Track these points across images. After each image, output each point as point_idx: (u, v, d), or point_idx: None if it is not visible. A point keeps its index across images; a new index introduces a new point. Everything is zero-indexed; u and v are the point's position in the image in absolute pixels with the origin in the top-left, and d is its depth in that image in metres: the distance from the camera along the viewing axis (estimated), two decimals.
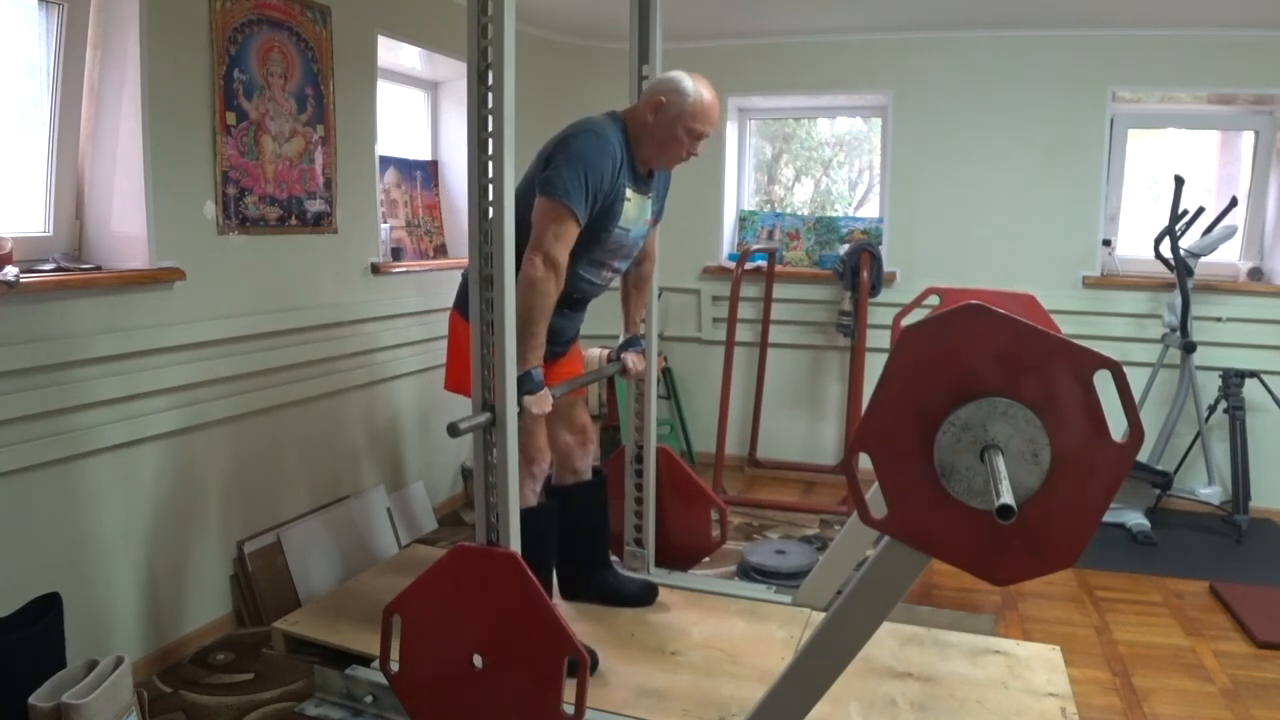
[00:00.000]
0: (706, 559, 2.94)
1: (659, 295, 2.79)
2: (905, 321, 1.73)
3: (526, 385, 1.94)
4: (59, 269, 2.20)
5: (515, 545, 1.86)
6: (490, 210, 1.78)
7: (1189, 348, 3.54)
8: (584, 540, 2.57)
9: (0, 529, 2.02)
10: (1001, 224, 3.97)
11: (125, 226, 2.34)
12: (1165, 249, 3.59)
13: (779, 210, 4.60)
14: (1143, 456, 3.61)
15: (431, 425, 3.58)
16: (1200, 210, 3.53)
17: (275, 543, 2.76)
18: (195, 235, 2.47)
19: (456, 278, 2.34)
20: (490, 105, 1.75)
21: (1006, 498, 1.21)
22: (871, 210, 4.48)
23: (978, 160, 3.97)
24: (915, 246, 4.11)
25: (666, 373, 4.40)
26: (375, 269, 3.20)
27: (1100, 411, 1.29)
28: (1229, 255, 3.85)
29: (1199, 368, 3.62)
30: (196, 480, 2.54)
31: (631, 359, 2.55)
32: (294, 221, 2.83)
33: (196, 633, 2.55)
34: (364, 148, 3.15)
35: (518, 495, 1.87)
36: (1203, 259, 3.60)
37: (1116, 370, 1.27)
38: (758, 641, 2.41)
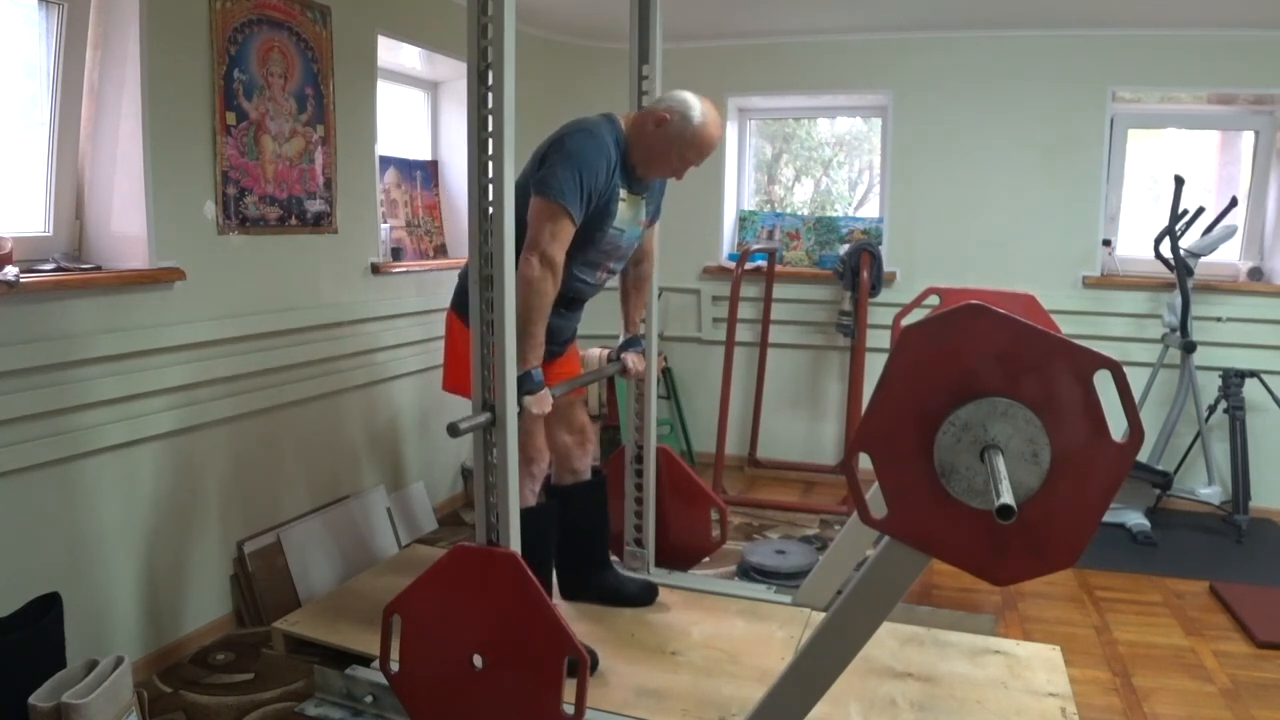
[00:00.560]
0: (706, 559, 2.94)
1: (659, 295, 2.79)
2: (905, 321, 1.73)
3: (526, 385, 1.94)
4: (59, 269, 2.20)
5: (515, 545, 1.86)
6: (490, 210, 1.78)
7: (1189, 348, 3.54)
8: (584, 540, 2.57)
9: (0, 529, 2.02)
10: (1001, 224, 3.97)
11: (125, 226, 2.34)
12: (1165, 249, 3.59)
13: (779, 210, 4.60)
14: (1143, 456, 3.61)
15: (431, 425, 3.58)
16: (1200, 210, 3.53)
17: (275, 543, 2.76)
18: (195, 235, 2.47)
19: (456, 278, 2.34)
20: (490, 105, 1.75)
21: (1006, 498, 1.21)
22: (871, 210, 4.48)
23: (978, 160, 3.97)
24: (915, 246, 4.11)
25: (666, 373, 4.40)
26: (375, 269, 3.20)
27: (1100, 411, 1.29)
28: (1229, 255, 3.85)
29: (1199, 368, 3.62)
30: (197, 480, 2.54)
31: (631, 359, 2.55)
32: (294, 221, 2.83)
33: (196, 633, 2.55)
34: (364, 148, 3.15)
35: (518, 495, 1.87)
36: (1203, 259, 3.60)
37: (1116, 370, 1.27)
38: (758, 641, 2.41)
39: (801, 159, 4.72)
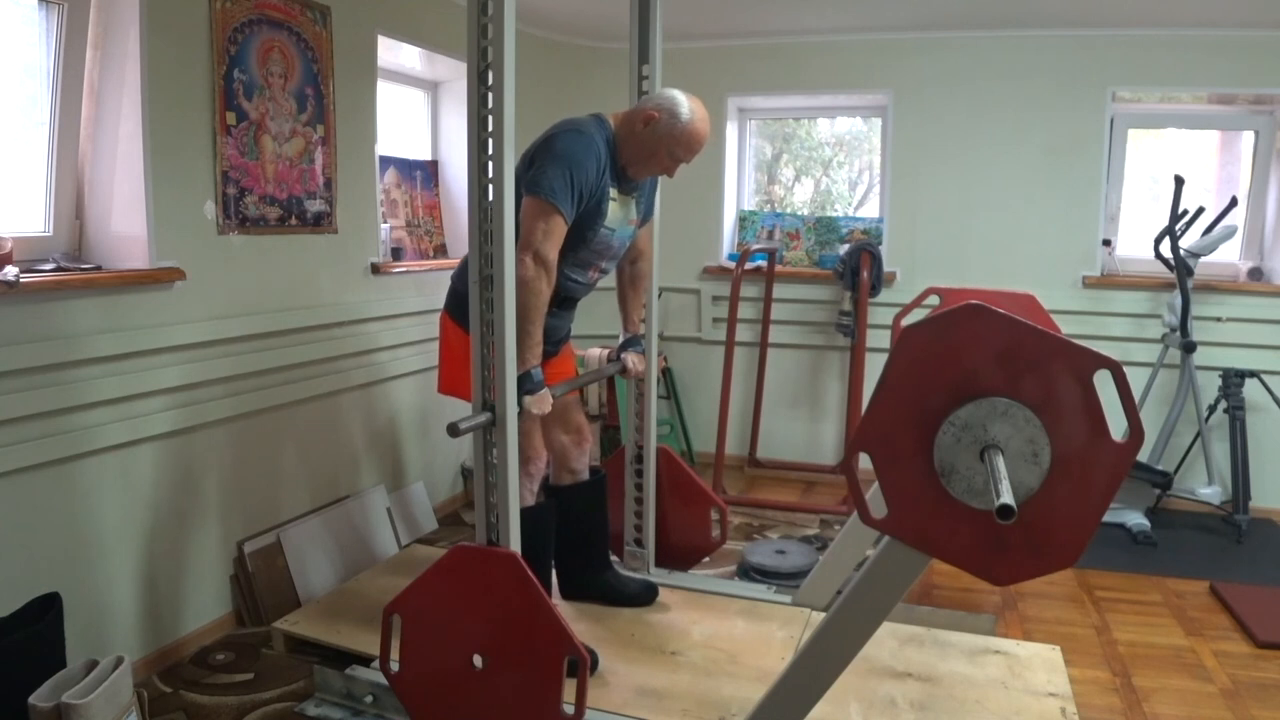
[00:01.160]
0: (706, 559, 2.94)
1: (659, 295, 2.79)
2: (905, 321, 1.73)
3: (526, 385, 1.94)
4: (59, 269, 2.20)
5: (515, 545, 1.86)
6: (490, 210, 1.78)
7: (1189, 348, 3.54)
8: (583, 540, 2.57)
9: (0, 529, 2.02)
10: (1001, 224, 3.97)
11: (125, 226, 2.34)
12: (1165, 249, 3.59)
13: (779, 210, 4.60)
14: (1143, 456, 3.61)
15: (431, 425, 3.58)
16: (1200, 210, 3.53)
17: (275, 543, 2.76)
18: (195, 235, 2.47)
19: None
20: (490, 105, 1.75)
21: (1006, 498, 1.21)
22: (871, 210, 4.48)
23: (978, 160, 3.97)
24: (915, 246, 4.11)
25: (666, 373, 4.40)
26: (375, 269, 3.20)
27: (1100, 411, 1.28)
28: (1229, 255, 3.85)
29: (1199, 368, 3.62)
30: (196, 480, 2.54)
31: (631, 359, 2.55)
32: (294, 221, 2.83)
33: (196, 633, 2.55)
34: (364, 148, 3.15)
35: (518, 495, 1.87)
36: (1203, 259, 3.60)
37: (1116, 370, 1.27)
38: (758, 641, 2.41)
39: (801, 159, 4.72)
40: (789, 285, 4.28)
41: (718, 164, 4.32)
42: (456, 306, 2.24)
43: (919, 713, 2.08)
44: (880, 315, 3.93)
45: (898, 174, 4.11)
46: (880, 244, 4.15)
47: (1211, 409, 3.64)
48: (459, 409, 1.95)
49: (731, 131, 4.39)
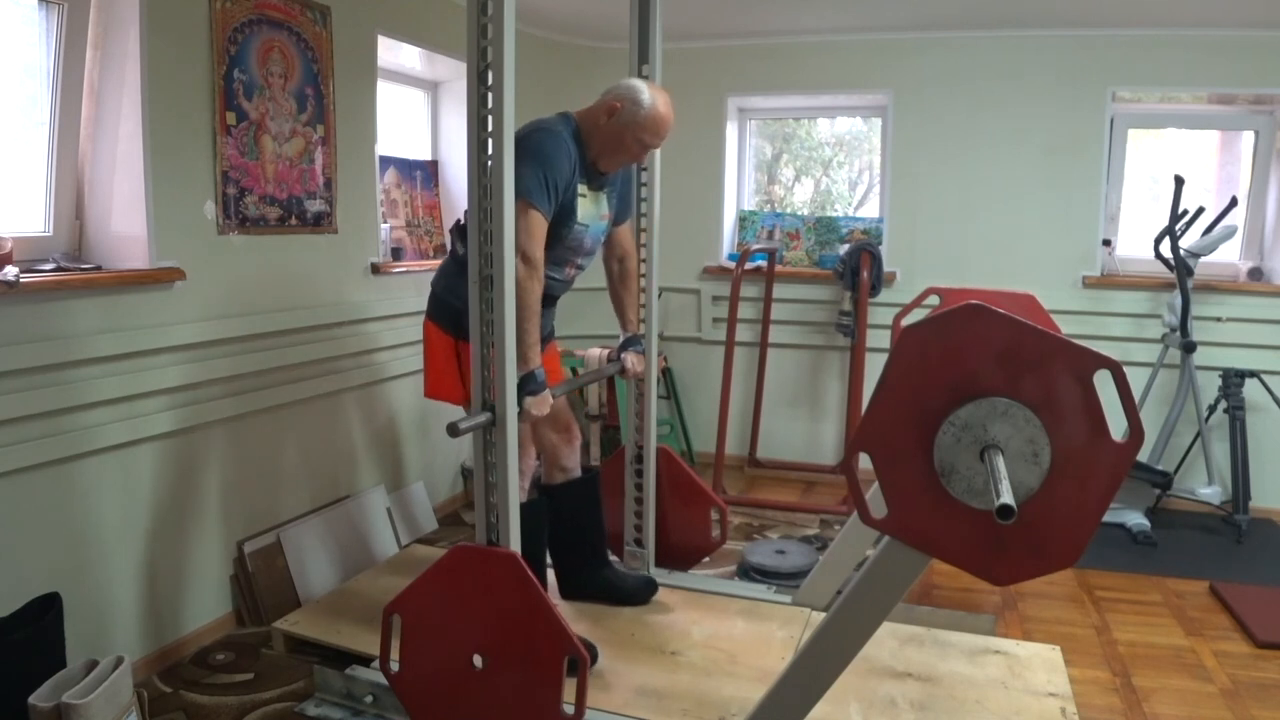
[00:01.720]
0: (706, 559, 2.94)
1: (659, 295, 2.79)
2: (905, 321, 1.73)
3: (529, 386, 1.94)
4: (59, 269, 2.20)
5: (515, 545, 1.86)
6: (490, 210, 1.78)
7: (1189, 347, 3.54)
8: (579, 538, 2.57)
9: (0, 529, 2.02)
10: (1001, 224, 3.97)
11: (125, 226, 2.34)
12: (1165, 249, 3.59)
13: (779, 210, 4.60)
14: (1143, 456, 3.61)
15: (431, 425, 3.58)
16: (1200, 210, 3.53)
17: (275, 543, 2.76)
18: (195, 235, 2.47)
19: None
20: (490, 105, 1.75)
21: (1006, 498, 1.21)
22: (871, 210, 4.48)
23: (978, 160, 3.97)
24: (915, 246, 4.11)
25: (666, 373, 4.40)
26: (375, 269, 3.20)
27: (1100, 411, 1.28)
28: (1229, 255, 3.85)
29: (1199, 368, 3.62)
30: (196, 480, 2.54)
31: (631, 359, 2.55)
32: (294, 221, 2.83)
33: (196, 633, 2.55)
34: (364, 148, 3.15)
35: (518, 495, 1.87)
36: (1203, 259, 3.60)
37: (1116, 370, 1.27)
38: (758, 641, 2.41)
39: (801, 159, 4.72)
40: (789, 285, 4.28)
41: (718, 164, 4.32)
42: (438, 310, 2.26)
43: (919, 713, 2.08)
44: (880, 315, 3.93)
45: (898, 174, 4.11)
46: (880, 244, 4.15)
47: (1211, 409, 3.64)
48: (458, 409, 1.95)
49: (731, 131, 4.39)
